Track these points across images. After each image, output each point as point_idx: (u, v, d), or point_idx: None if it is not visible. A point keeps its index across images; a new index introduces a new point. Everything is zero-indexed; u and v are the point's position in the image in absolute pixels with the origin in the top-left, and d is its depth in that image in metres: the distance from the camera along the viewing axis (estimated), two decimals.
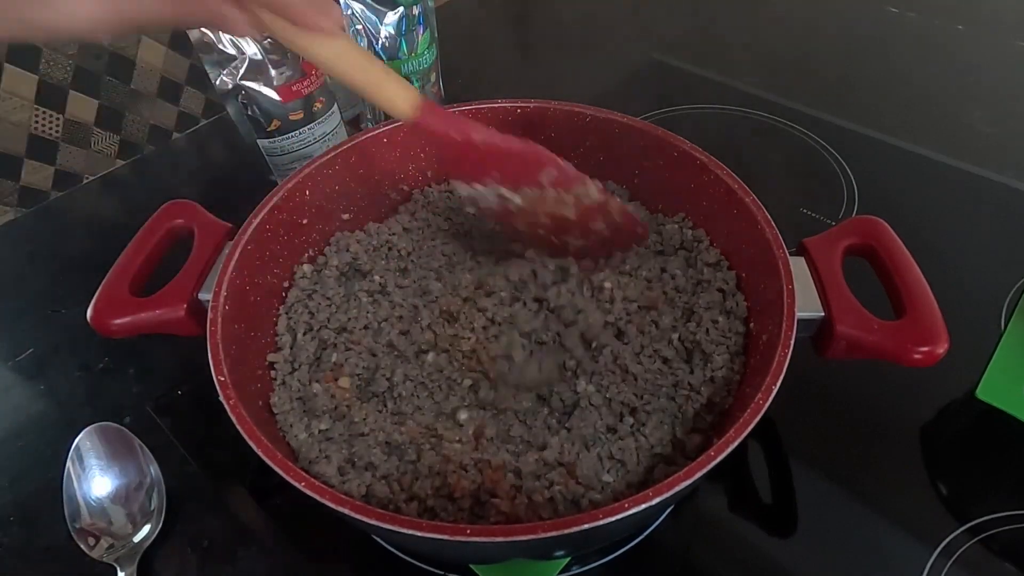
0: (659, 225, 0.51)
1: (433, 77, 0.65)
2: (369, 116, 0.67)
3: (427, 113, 0.40)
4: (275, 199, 0.46)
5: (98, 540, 0.42)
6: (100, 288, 0.42)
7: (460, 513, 0.37)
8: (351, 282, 0.49)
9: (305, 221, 0.49)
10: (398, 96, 0.39)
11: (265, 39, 0.55)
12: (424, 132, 0.40)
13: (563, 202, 0.43)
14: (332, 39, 0.35)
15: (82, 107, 0.68)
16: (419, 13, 0.59)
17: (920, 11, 0.90)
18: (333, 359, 0.44)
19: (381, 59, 0.60)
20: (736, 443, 0.32)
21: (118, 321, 0.41)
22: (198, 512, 0.45)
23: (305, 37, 0.34)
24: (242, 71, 0.56)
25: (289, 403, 0.42)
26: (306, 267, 0.48)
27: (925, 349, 0.37)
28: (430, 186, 0.56)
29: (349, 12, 0.58)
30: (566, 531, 0.29)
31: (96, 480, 0.44)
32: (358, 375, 0.44)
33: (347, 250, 0.50)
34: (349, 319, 0.46)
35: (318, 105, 0.60)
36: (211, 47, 0.55)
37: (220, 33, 0.54)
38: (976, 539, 0.41)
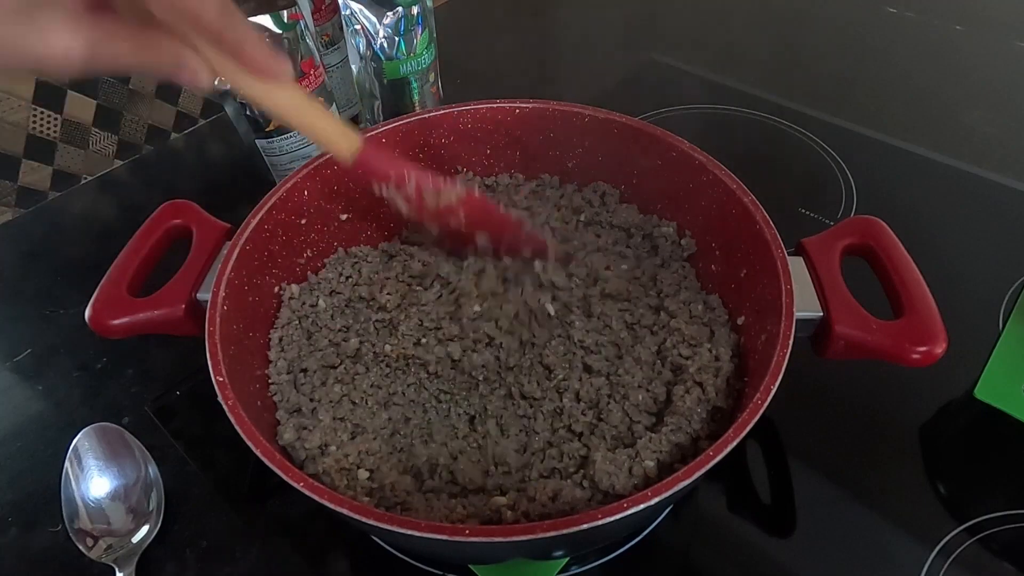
0: (653, 227, 0.51)
1: (432, 77, 0.65)
2: (368, 116, 0.67)
3: (367, 155, 0.40)
4: (273, 199, 0.46)
5: (96, 541, 0.42)
6: (98, 288, 0.42)
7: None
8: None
9: (304, 221, 0.49)
10: (340, 139, 0.39)
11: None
12: (365, 172, 0.41)
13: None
14: (282, 88, 0.36)
15: (80, 107, 0.68)
16: (418, 13, 0.59)
17: (919, 11, 0.90)
18: (332, 359, 0.44)
19: (379, 58, 0.60)
20: (735, 443, 0.32)
21: (116, 321, 0.41)
22: (197, 512, 0.45)
23: (258, 84, 0.35)
24: None
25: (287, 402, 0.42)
26: (295, 287, 0.48)
27: (923, 349, 0.37)
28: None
29: (348, 12, 0.58)
30: (565, 531, 0.29)
31: (95, 481, 0.43)
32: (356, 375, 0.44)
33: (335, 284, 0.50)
34: (347, 324, 0.46)
35: None
36: None
37: None
38: (974, 538, 0.41)
